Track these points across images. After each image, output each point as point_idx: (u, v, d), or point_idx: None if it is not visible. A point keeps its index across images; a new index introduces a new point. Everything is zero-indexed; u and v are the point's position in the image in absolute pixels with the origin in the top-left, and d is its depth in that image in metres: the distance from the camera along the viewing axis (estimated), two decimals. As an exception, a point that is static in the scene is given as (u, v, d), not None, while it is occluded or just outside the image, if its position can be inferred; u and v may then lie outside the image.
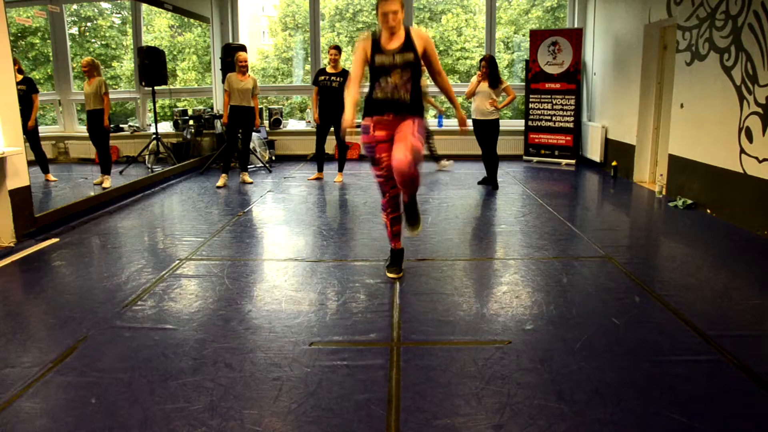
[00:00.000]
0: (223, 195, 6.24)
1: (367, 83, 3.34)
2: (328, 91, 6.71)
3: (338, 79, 6.67)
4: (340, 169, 7.17)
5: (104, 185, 6.21)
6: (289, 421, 2.02)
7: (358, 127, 3.35)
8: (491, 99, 6.33)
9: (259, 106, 8.34)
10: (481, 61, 6.45)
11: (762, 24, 4.43)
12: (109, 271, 3.65)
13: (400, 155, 3.07)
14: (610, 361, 2.44)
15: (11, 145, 4.24)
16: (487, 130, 6.46)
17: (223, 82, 8.32)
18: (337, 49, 6.72)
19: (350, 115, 3.13)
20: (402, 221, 3.52)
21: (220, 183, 6.74)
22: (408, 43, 3.20)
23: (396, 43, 3.20)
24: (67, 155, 7.27)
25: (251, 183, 6.91)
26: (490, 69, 6.33)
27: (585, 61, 8.58)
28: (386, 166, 3.24)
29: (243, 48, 8.02)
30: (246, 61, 6.80)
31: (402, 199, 3.49)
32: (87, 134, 6.52)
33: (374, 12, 3.75)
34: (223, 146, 8.15)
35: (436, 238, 4.38)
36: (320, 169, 7.22)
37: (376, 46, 3.22)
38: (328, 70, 6.72)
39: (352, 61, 3.32)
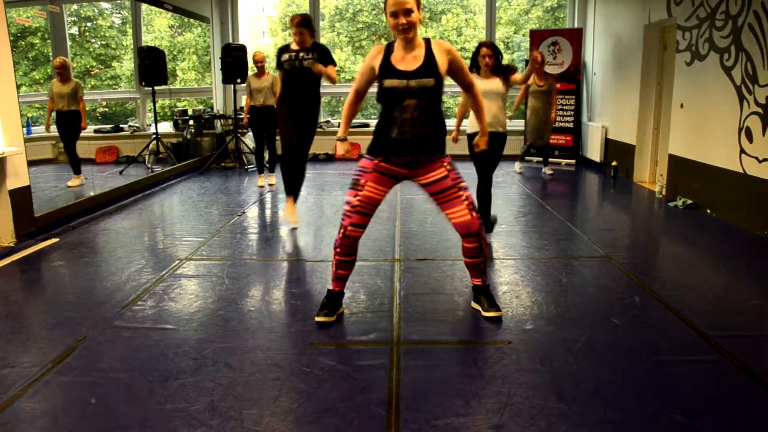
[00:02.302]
0: (225, 195, 6.24)
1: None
2: (295, 73, 4.54)
3: (310, 56, 4.48)
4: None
5: (71, 184, 6.20)
6: (289, 421, 2.02)
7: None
8: (502, 103, 4.28)
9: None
10: (479, 48, 4.20)
11: (762, 24, 4.43)
12: (109, 271, 3.65)
13: (464, 218, 2.76)
14: (610, 361, 2.44)
15: (11, 145, 4.24)
16: (499, 147, 4.25)
17: (224, 83, 8.35)
18: (304, 24, 4.48)
19: (342, 131, 2.83)
20: (352, 269, 2.87)
21: (260, 183, 6.75)
22: (429, 64, 2.58)
23: (412, 62, 2.59)
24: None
25: (273, 185, 6.75)
26: (495, 60, 4.20)
27: (585, 61, 8.58)
28: (364, 198, 2.69)
29: (243, 48, 8.02)
30: (263, 61, 6.51)
31: (471, 280, 3.00)
32: (87, 134, 6.51)
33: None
34: (223, 146, 8.17)
35: (436, 238, 4.38)
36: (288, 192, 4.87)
37: (387, 63, 2.61)
38: (293, 46, 4.55)
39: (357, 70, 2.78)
